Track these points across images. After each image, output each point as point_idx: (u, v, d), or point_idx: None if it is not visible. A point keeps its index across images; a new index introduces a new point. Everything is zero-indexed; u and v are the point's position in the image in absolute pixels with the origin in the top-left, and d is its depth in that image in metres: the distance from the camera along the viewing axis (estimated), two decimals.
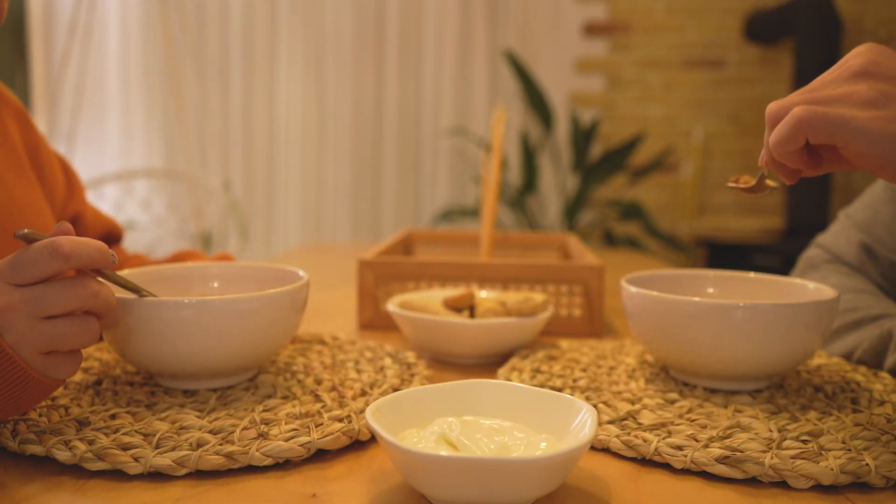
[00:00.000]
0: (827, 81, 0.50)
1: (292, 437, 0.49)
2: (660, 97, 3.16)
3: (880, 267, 0.79)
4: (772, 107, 0.51)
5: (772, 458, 0.46)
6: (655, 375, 0.65)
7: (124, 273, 0.64)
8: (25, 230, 0.47)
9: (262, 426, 0.50)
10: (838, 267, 0.81)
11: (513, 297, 0.76)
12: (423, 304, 0.76)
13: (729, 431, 0.51)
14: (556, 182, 3.05)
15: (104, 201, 2.35)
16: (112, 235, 0.88)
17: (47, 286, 0.46)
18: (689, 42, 3.12)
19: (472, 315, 0.76)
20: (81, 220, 0.84)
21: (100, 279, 0.50)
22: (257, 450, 0.47)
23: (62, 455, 0.46)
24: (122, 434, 0.48)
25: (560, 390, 0.62)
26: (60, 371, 0.48)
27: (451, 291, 0.85)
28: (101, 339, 0.52)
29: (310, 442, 0.48)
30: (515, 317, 0.74)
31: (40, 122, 2.92)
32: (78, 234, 0.82)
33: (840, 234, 0.84)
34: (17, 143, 0.75)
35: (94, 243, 0.47)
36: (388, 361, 0.69)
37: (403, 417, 0.46)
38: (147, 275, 0.66)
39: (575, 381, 0.64)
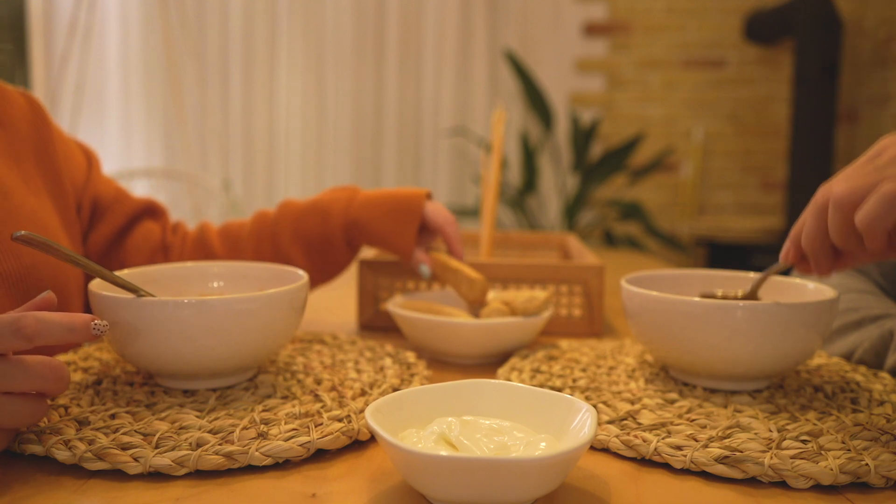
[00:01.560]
0: (875, 161, 0.49)
1: (292, 437, 0.49)
2: (660, 97, 3.16)
3: (881, 267, 0.79)
4: (821, 195, 0.51)
5: (771, 458, 0.46)
6: (655, 375, 0.65)
7: (124, 273, 0.64)
8: (23, 232, 0.47)
9: (262, 426, 0.50)
10: None
11: (517, 296, 0.76)
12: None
13: (728, 431, 0.51)
14: (556, 182, 3.05)
15: None
16: (153, 210, 0.89)
17: (11, 365, 0.43)
18: (689, 42, 3.12)
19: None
20: (100, 202, 0.84)
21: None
22: (257, 450, 0.47)
23: (62, 455, 0.46)
24: (122, 434, 0.48)
25: (560, 390, 0.62)
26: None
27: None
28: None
29: (309, 442, 0.48)
30: (521, 316, 0.74)
31: None
32: (98, 217, 0.83)
33: None
34: (24, 138, 0.75)
35: (63, 322, 0.45)
36: (387, 361, 0.69)
37: (403, 417, 0.46)
38: (147, 275, 0.66)
39: (575, 381, 0.64)
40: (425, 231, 0.85)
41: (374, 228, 0.83)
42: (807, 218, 0.54)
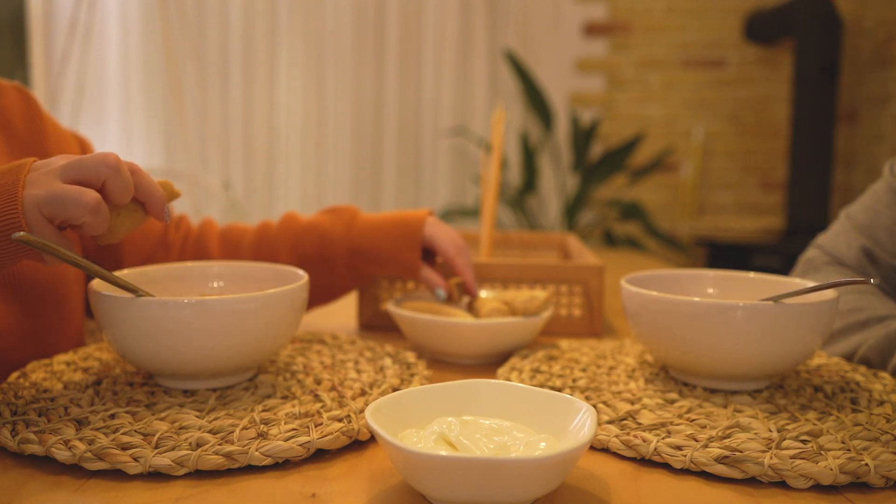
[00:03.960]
0: None
1: (292, 437, 0.49)
2: (660, 97, 3.16)
3: (881, 271, 0.79)
4: None
5: (771, 457, 0.46)
6: (655, 375, 0.65)
7: (124, 273, 0.64)
8: (22, 232, 0.47)
9: (262, 426, 0.50)
10: (839, 269, 0.81)
11: (517, 296, 0.76)
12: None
13: (728, 431, 0.51)
14: (556, 182, 3.05)
15: None
16: None
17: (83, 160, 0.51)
18: (689, 42, 3.12)
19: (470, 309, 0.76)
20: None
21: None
22: (257, 450, 0.47)
23: (62, 455, 0.46)
24: (122, 434, 0.48)
25: (560, 390, 0.62)
26: (40, 226, 0.51)
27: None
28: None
29: (309, 442, 0.48)
30: (521, 316, 0.74)
31: None
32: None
33: (840, 236, 0.83)
34: (20, 133, 0.75)
35: (151, 181, 0.54)
36: (387, 361, 0.69)
37: (403, 417, 0.46)
38: (147, 274, 0.66)
39: (574, 381, 0.64)
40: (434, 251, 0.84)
41: (376, 255, 0.82)
42: None
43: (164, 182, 0.58)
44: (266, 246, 0.85)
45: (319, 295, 0.87)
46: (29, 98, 0.78)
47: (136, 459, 0.46)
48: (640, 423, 0.53)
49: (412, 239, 0.81)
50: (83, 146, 0.85)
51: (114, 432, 0.49)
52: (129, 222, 0.57)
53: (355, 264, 0.83)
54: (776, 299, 0.60)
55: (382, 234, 0.82)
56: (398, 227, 0.82)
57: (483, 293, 0.85)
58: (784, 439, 0.49)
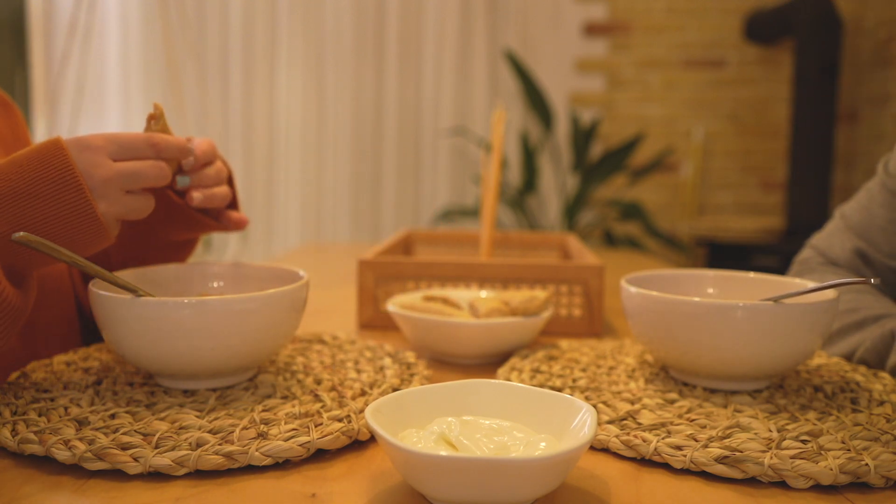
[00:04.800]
0: None
1: (292, 437, 0.49)
2: (660, 97, 3.16)
3: (875, 271, 0.79)
4: None
5: (771, 458, 0.46)
6: (655, 375, 0.65)
7: (124, 273, 0.64)
8: (21, 233, 0.48)
9: (262, 426, 0.50)
10: (834, 269, 0.81)
11: (516, 296, 0.76)
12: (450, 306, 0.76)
13: (728, 431, 0.51)
14: (556, 182, 3.05)
15: None
16: None
17: (138, 166, 0.57)
18: (689, 42, 3.12)
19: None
20: None
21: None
22: (257, 450, 0.47)
23: (62, 455, 0.46)
24: (122, 434, 0.48)
25: (560, 390, 0.62)
26: (116, 229, 0.59)
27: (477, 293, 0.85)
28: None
29: (309, 442, 0.48)
30: (521, 316, 0.74)
31: (40, 122, 2.92)
32: None
33: (834, 236, 0.83)
34: (5, 139, 0.75)
35: (178, 142, 0.60)
36: (387, 361, 0.69)
37: (403, 417, 0.46)
38: (147, 274, 0.66)
39: (574, 381, 0.64)
40: None
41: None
42: None
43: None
44: None
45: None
46: (6, 102, 0.78)
47: (136, 459, 0.46)
48: (640, 423, 0.53)
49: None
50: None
51: (114, 432, 0.49)
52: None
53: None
54: (776, 299, 0.60)
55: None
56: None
57: (483, 293, 0.85)
58: (784, 439, 0.49)
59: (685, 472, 0.48)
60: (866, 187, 0.84)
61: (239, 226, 0.73)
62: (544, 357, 0.72)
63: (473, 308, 0.77)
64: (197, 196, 0.66)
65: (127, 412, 0.53)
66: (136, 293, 0.55)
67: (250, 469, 0.47)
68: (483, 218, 1.07)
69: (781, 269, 0.92)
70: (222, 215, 0.72)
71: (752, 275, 0.71)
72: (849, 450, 0.48)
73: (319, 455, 0.50)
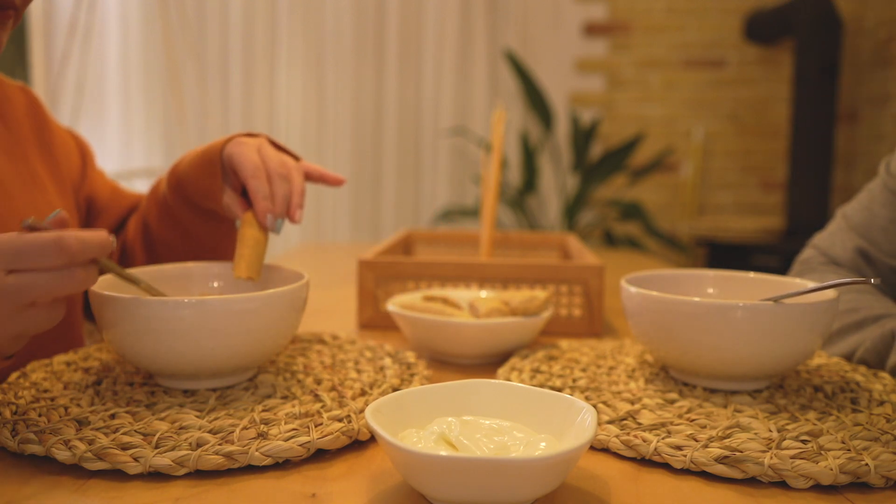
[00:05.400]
0: None
1: (292, 437, 0.49)
2: (660, 97, 3.16)
3: (877, 271, 0.79)
4: None
5: (771, 458, 0.46)
6: (655, 375, 0.65)
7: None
8: (31, 219, 0.47)
9: (262, 426, 0.50)
10: (835, 269, 0.81)
11: (516, 296, 0.76)
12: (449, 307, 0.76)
13: (728, 431, 0.51)
14: (556, 182, 3.05)
15: None
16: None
17: (39, 275, 0.46)
18: (689, 42, 3.12)
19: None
20: (96, 201, 0.83)
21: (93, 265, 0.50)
22: (257, 450, 0.47)
23: (62, 455, 0.46)
24: (122, 434, 0.48)
25: (560, 390, 0.62)
26: (12, 349, 0.49)
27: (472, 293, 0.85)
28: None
29: (309, 442, 0.48)
30: (521, 316, 0.74)
31: None
32: (93, 215, 0.83)
33: (836, 236, 0.83)
34: (27, 135, 0.75)
35: (98, 238, 0.48)
36: (387, 361, 0.69)
37: (403, 417, 0.46)
38: (147, 274, 0.66)
39: (575, 381, 0.64)
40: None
41: (186, 186, 0.73)
42: None
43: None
44: (143, 212, 0.81)
45: (190, 246, 0.79)
46: (33, 98, 0.79)
47: (136, 459, 0.46)
48: (640, 423, 0.53)
49: (212, 162, 0.70)
50: (81, 148, 0.85)
51: (114, 432, 0.49)
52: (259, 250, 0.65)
53: (178, 202, 0.75)
54: (776, 299, 0.60)
55: (190, 161, 0.73)
56: (205, 152, 0.71)
57: (483, 293, 0.85)
58: (784, 439, 0.49)
59: (685, 472, 0.48)
60: (868, 188, 0.84)
61: (337, 181, 0.74)
62: (544, 357, 0.72)
63: (473, 308, 0.77)
64: (298, 215, 0.67)
65: (127, 412, 0.53)
66: (138, 284, 0.56)
67: (250, 469, 0.47)
68: (483, 218, 1.07)
69: (781, 269, 0.92)
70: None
71: (752, 275, 0.71)
72: (849, 450, 0.48)
73: (319, 455, 0.50)
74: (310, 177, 0.74)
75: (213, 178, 0.70)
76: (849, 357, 0.71)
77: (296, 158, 0.74)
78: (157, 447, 0.47)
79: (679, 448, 0.48)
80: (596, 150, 3.10)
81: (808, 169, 2.79)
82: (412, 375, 0.65)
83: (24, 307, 0.47)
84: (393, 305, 0.78)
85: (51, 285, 0.46)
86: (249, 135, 0.72)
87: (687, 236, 3.10)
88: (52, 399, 0.55)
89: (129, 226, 0.84)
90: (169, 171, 0.76)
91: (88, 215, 0.83)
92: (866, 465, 0.45)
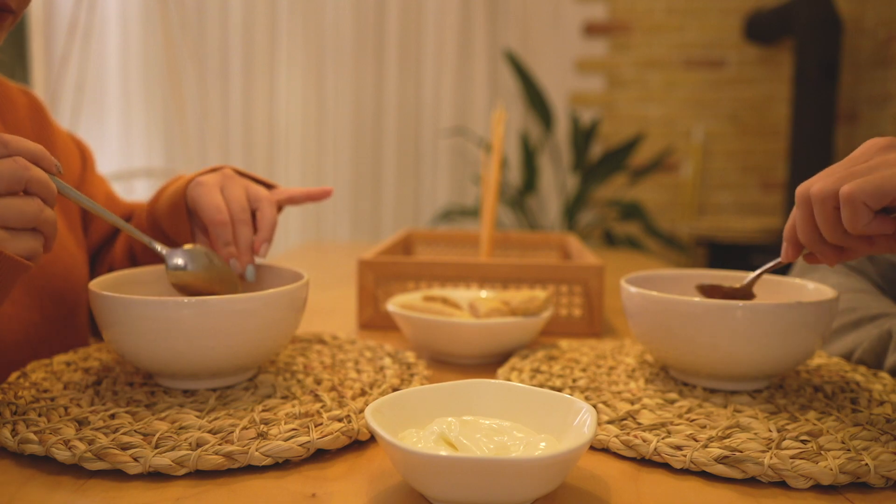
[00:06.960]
0: (855, 159, 0.51)
1: (292, 437, 0.49)
2: (660, 97, 3.16)
3: (879, 268, 0.79)
4: (800, 189, 0.53)
5: (771, 457, 0.46)
6: (655, 375, 0.65)
7: (124, 272, 0.64)
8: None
9: (262, 426, 0.50)
10: (837, 267, 0.81)
11: (516, 296, 0.76)
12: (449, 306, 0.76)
13: (728, 431, 0.51)
14: (556, 182, 3.05)
15: None
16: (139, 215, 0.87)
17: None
18: (689, 42, 3.12)
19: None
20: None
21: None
22: (257, 450, 0.47)
23: (62, 455, 0.46)
24: (122, 434, 0.48)
25: (560, 390, 0.62)
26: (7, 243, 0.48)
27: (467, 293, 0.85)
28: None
29: (309, 442, 0.48)
30: (521, 316, 0.74)
31: None
32: (88, 220, 0.84)
33: None
34: (27, 136, 0.75)
35: (32, 144, 0.49)
36: (387, 361, 0.69)
37: (403, 417, 0.46)
38: (147, 274, 0.66)
39: (574, 381, 0.64)
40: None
41: (162, 222, 0.72)
42: (795, 216, 0.55)
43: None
44: (129, 239, 0.81)
45: None
46: (36, 102, 0.79)
47: (136, 459, 0.46)
48: (640, 423, 0.53)
49: (178, 206, 0.68)
50: (82, 152, 0.85)
51: (114, 432, 0.49)
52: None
53: (158, 237, 0.73)
54: (776, 300, 0.60)
55: (165, 201, 0.71)
56: (174, 193, 0.69)
57: (483, 293, 0.85)
58: (784, 439, 0.49)
59: (685, 472, 0.48)
60: None
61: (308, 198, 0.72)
62: (544, 357, 0.72)
63: (473, 308, 0.77)
64: (263, 249, 0.66)
65: (127, 412, 0.53)
66: (153, 246, 0.60)
67: (250, 469, 0.47)
68: (483, 218, 1.07)
69: (781, 268, 0.92)
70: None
71: (752, 275, 0.70)
72: (849, 450, 0.48)
73: (319, 455, 0.50)
74: (294, 201, 0.72)
75: (181, 222, 0.69)
76: (847, 357, 0.71)
77: (269, 186, 0.73)
78: (156, 447, 0.47)
79: (679, 448, 0.48)
80: (596, 150, 3.10)
81: (808, 169, 2.79)
82: (412, 375, 0.65)
83: None
84: (393, 305, 0.78)
85: (7, 209, 0.47)
86: (213, 169, 0.70)
87: (687, 236, 3.11)
88: (52, 399, 0.55)
89: (117, 249, 0.83)
90: (147, 206, 0.75)
91: (84, 220, 0.83)
92: (866, 465, 0.45)
